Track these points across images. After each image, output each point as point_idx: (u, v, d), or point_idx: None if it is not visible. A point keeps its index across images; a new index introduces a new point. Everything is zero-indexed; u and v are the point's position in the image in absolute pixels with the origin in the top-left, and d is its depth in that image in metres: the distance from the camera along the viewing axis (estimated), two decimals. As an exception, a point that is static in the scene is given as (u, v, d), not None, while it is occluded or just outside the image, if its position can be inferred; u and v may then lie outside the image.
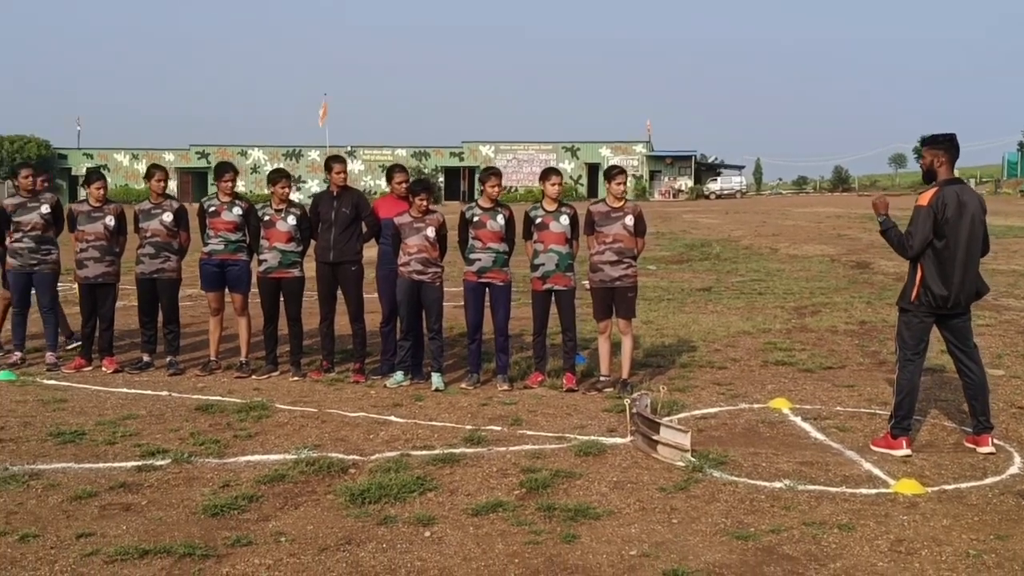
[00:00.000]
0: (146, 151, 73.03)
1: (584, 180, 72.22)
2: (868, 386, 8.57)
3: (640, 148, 74.69)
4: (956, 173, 6.61)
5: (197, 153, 71.98)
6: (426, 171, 72.18)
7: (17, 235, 9.42)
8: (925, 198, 6.47)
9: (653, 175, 74.78)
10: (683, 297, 15.07)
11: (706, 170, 79.83)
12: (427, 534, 5.12)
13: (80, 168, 68.06)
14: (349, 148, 73.50)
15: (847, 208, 45.57)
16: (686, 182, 74.47)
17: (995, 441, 6.63)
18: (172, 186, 69.09)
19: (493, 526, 5.24)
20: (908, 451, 6.45)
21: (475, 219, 8.63)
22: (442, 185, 71.10)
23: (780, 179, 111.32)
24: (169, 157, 72.87)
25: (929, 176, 6.63)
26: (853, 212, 41.19)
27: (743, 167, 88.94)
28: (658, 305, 13.99)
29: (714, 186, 74.71)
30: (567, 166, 72.37)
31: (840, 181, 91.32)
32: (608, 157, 72.78)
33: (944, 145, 6.58)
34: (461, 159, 73.09)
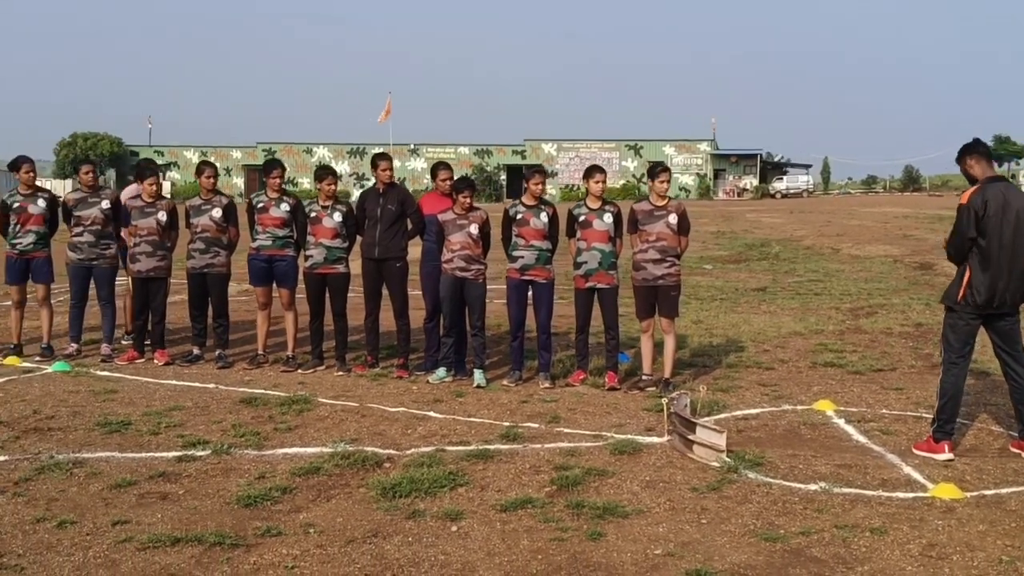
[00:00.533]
0: (214, 148, 74.31)
1: (647, 178, 71.66)
2: (918, 389, 8.40)
3: (704, 146, 73.94)
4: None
5: (264, 150, 73.00)
6: (488, 169, 72.41)
7: (78, 230, 9.66)
8: (966, 196, 6.42)
9: (717, 174, 73.97)
10: (736, 297, 14.91)
11: (772, 169, 78.78)
12: (454, 528, 5.15)
13: (151, 165, 69.40)
14: (412, 146, 74.01)
15: (916, 208, 44.60)
16: (751, 181, 73.53)
17: None
18: (240, 183, 70.88)
19: (520, 522, 5.25)
20: (950, 455, 6.31)
21: (519, 216, 8.64)
22: (504, 183, 71.23)
23: (849, 178, 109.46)
24: (236, 155, 74.11)
25: (972, 183, 6.53)
26: (922, 212, 40.33)
27: (810, 166, 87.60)
28: (710, 305, 13.87)
29: (780, 185, 73.69)
30: (630, 164, 72.02)
31: (911, 181, 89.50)
32: (671, 155, 72.22)
33: (966, 151, 6.54)
34: (523, 157, 73.05)
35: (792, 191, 72.52)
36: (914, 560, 4.71)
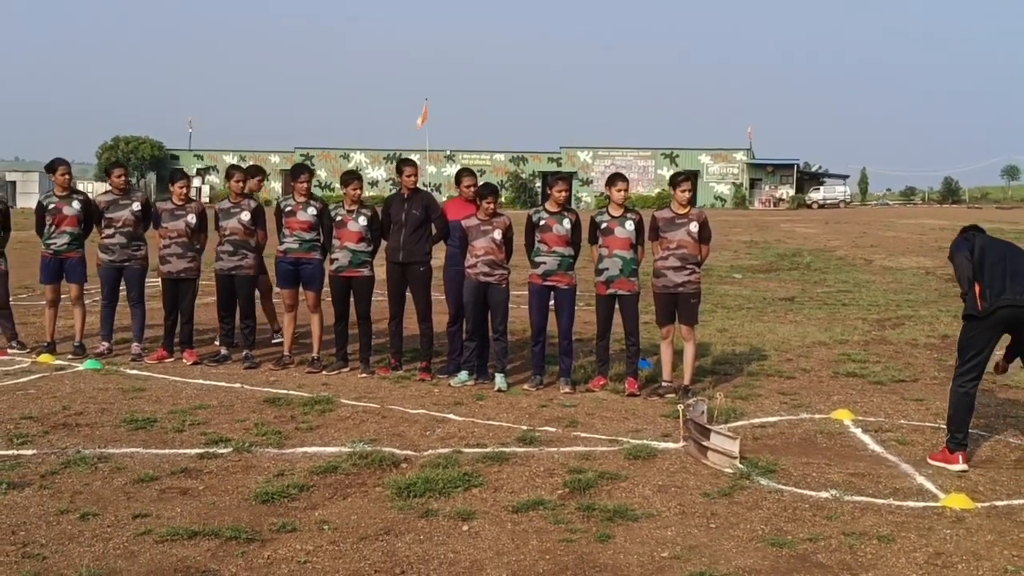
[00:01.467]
0: (253, 152, 75.07)
1: (669, 187, 71.38)
2: (938, 400, 8.37)
3: (741, 155, 73.61)
4: None
5: (301, 155, 73.70)
6: (523, 176, 72.56)
7: (109, 231, 9.87)
8: None
9: (754, 183, 73.61)
10: (763, 306, 14.90)
11: (809, 179, 78.28)
12: (465, 528, 5.24)
13: (191, 168, 70.38)
14: (448, 152, 74.40)
15: (954, 220, 44.09)
16: (787, 191, 73.11)
17: None
18: (277, 187, 71.52)
19: (531, 523, 5.33)
20: (964, 466, 6.31)
21: (541, 223, 8.73)
22: (539, 190, 71.34)
23: (888, 190, 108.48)
24: (274, 159, 74.87)
25: None
26: (959, 225, 39.76)
27: (847, 176, 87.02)
28: (736, 314, 13.87)
29: (816, 195, 73.22)
30: (665, 172, 71.78)
31: (950, 193, 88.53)
32: (707, 164, 72.02)
33: None
34: (559, 164, 73.17)
35: (829, 201, 72.01)
36: (919, 568, 4.73)
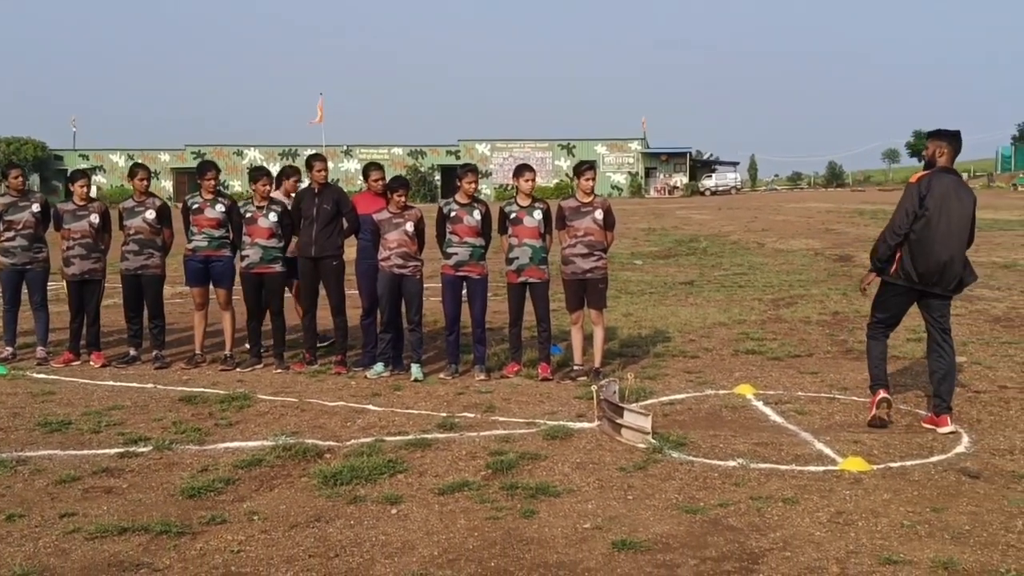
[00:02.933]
0: (142, 151, 73.15)
1: (573, 176, 72.28)
2: (832, 373, 8.86)
3: (635, 145, 74.97)
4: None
5: (193, 153, 72.11)
6: (423, 169, 72.45)
7: (9, 234, 9.67)
8: (915, 177, 6.92)
9: (648, 172, 75.05)
10: (665, 291, 15.35)
11: (701, 167, 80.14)
12: (394, 511, 5.39)
13: (76, 169, 68.11)
14: (346, 147, 73.80)
15: (839, 203, 45.85)
16: (681, 179, 74.75)
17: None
18: (168, 186, 69.89)
19: (457, 504, 5.51)
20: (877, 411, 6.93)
21: (452, 214, 8.89)
22: (439, 183, 71.37)
23: (776, 175, 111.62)
24: (164, 157, 73.14)
25: (929, 165, 7.00)
26: (844, 207, 41.50)
27: (738, 163, 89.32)
28: (640, 299, 14.27)
29: (709, 183, 75.03)
30: (563, 163, 72.60)
31: (834, 177, 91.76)
32: (604, 154, 73.11)
33: (947, 138, 6.99)
34: (457, 157, 73.27)
35: (721, 188, 73.88)
36: (823, 526, 5.07)
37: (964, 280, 6.96)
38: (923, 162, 7.14)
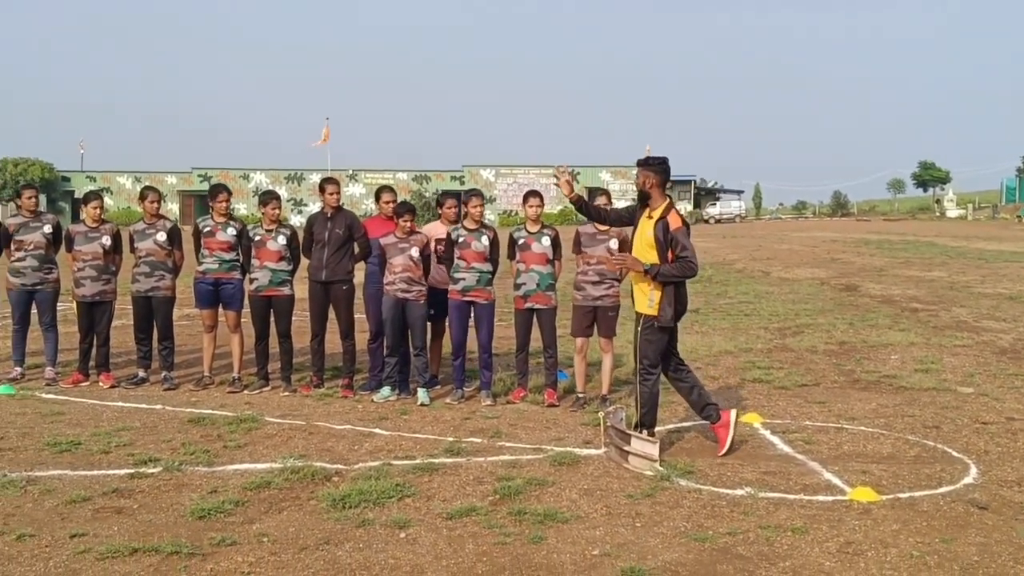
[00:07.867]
0: (148, 174, 73.49)
1: (585, 204, 72.40)
2: (839, 402, 8.86)
3: (640, 172, 75.03)
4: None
5: (199, 176, 72.47)
6: (427, 195, 72.63)
7: (20, 254, 9.73)
8: (677, 220, 7.08)
9: (653, 199, 75.08)
10: (671, 318, 15.34)
11: (705, 195, 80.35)
12: (402, 535, 5.41)
13: (83, 191, 68.46)
14: (351, 171, 74.01)
15: (843, 233, 45.98)
16: (685, 206, 74.84)
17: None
18: (175, 208, 70.14)
19: (465, 528, 5.52)
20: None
21: (460, 240, 8.94)
22: (442, 209, 71.40)
23: (780, 204, 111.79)
24: (171, 180, 73.40)
25: (643, 196, 7.22)
26: (849, 237, 41.61)
27: (742, 192, 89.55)
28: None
29: (713, 211, 75.23)
30: (567, 190, 72.60)
31: (839, 206, 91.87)
32: (608, 181, 73.20)
33: (655, 168, 7.20)
34: (462, 183, 73.46)
35: (725, 216, 74.07)
36: (832, 556, 5.08)
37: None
38: (638, 192, 7.33)
